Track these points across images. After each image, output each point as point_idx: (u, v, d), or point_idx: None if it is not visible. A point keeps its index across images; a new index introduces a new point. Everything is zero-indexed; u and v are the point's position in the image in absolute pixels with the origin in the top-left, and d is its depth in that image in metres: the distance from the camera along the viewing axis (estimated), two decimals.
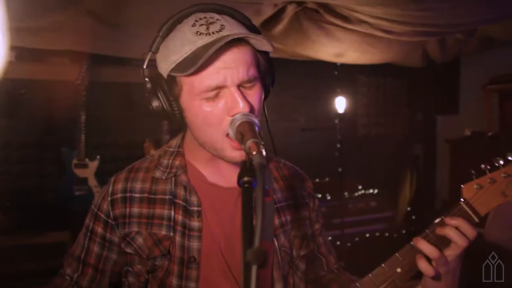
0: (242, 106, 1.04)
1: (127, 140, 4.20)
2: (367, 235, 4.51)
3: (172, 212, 1.20)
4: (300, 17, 3.31)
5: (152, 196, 1.22)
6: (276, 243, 1.25)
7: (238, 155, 1.10)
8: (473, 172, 1.20)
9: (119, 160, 4.13)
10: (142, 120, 4.07)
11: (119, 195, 1.22)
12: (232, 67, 1.05)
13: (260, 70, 1.14)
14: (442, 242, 1.13)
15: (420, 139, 6.04)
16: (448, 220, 1.14)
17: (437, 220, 1.17)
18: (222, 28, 1.06)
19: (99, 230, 1.23)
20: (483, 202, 1.16)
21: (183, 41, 1.06)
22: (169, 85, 1.11)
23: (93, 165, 3.71)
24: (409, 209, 4.89)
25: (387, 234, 4.59)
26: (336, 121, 4.96)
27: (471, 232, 1.11)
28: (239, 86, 1.07)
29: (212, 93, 1.06)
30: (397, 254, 1.18)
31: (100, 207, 1.24)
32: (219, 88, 1.06)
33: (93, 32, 3.14)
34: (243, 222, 0.77)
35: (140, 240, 1.19)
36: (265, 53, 1.16)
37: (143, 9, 2.87)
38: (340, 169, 4.81)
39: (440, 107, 5.99)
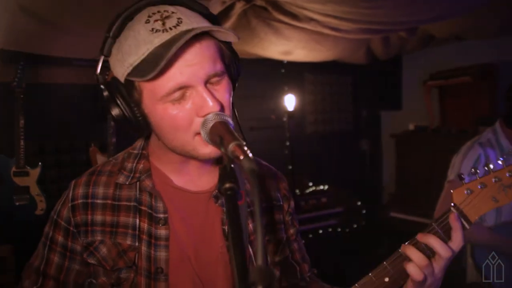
0: (212, 105, 0.96)
1: (70, 144, 3.98)
2: (320, 231, 4.55)
3: (137, 220, 1.11)
4: (248, 15, 3.29)
5: (116, 203, 1.12)
6: (250, 250, 1.18)
7: (212, 150, 1.02)
8: (462, 176, 1.14)
9: (63, 166, 3.93)
10: (86, 123, 3.89)
11: (80, 201, 1.12)
12: (195, 63, 0.96)
13: (225, 62, 1.06)
14: (430, 250, 1.09)
15: (366, 135, 6.19)
16: (420, 237, 1.10)
17: (427, 228, 1.13)
18: (179, 22, 0.96)
19: (60, 238, 1.12)
20: (473, 207, 1.12)
21: (138, 41, 0.95)
22: (128, 91, 1.01)
23: (35, 172, 3.48)
24: (359, 203, 4.99)
25: (339, 229, 4.67)
26: (285, 119, 4.98)
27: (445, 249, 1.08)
28: (206, 83, 0.99)
29: (177, 95, 0.97)
30: (384, 263, 1.13)
31: (60, 213, 1.13)
32: (184, 88, 0.97)
33: (28, 30, 2.95)
34: (233, 234, 0.72)
35: (104, 250, 1.09)
36: (228, 43, 1.08)
37: (84, 5, 2.73)
38: (290, 167, 4.83)
39: (384, 103, 6.18)
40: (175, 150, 1.07)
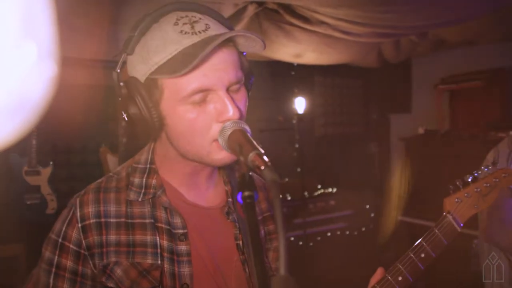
0: (232, 112, 0.98)
1: (81, 145, 4.02)
2: (329, 234, 4.55)
3: (157, 238, 1.08)
4: (260, 18, 3.29)
5: (130, 221, 1.09)
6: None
7: (226, 155, 1.03)
8: (451, 187, 1.40)
9: (73, 166, 3.96)
10: (97, 124, 3.91)
11: (92, 220, 1.06)
12: (220, 68, 0.98)
13: (243, 72, 1.08)
14: None
15: (375, 138, 6.17)
16: None
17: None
18: (207, 27, 0.99)
19: (69, 263, 1.04)
20: (461, 213, 1.37)
21: (166, 41, 0.97)
22: (147, 90, 1.00)
23: (46, 171, 3.51)
24: (368, 206, 4.97)
25: (347, 232, 4.66)
26: (294, 121, 4.98)
27: None
28: (227, 90, 1.01)
29: (198, 98, 0.98)
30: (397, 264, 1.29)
31: (66, 236, 1.06)
32: (206, 91, 0.99)
33: None
34: (253, 242, 0.73)
35: (119, 271, 1.05)
36: (244, 54, 1.11)
37: (94, 5, 2.75)
38: (299, 169, 4.83)
39: (394, 106, 6.15)
40: (187, 155, 1.07)
